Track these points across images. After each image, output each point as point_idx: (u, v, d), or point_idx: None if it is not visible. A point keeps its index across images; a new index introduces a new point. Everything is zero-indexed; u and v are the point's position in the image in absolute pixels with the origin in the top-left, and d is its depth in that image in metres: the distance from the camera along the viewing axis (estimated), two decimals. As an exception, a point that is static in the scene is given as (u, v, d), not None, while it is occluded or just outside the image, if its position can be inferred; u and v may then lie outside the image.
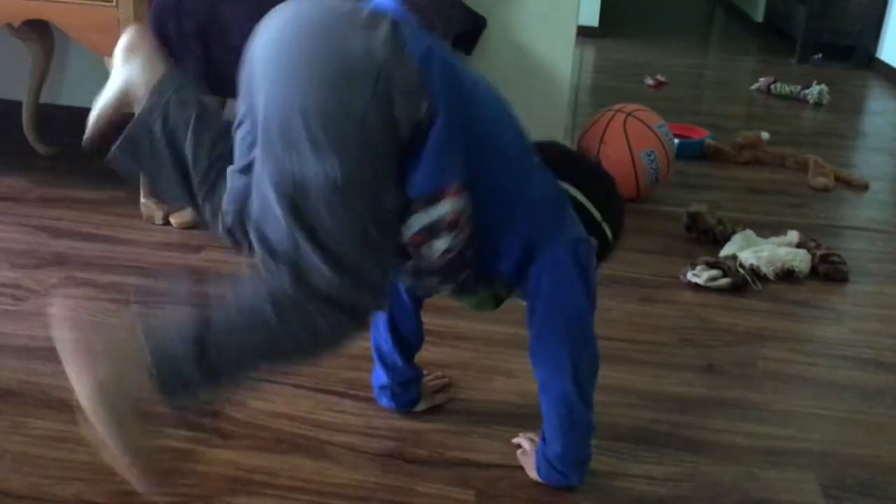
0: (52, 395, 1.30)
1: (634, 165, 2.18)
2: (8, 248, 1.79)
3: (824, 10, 4.43)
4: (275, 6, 1.69)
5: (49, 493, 1.11)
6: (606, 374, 1.43)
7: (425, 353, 1.45)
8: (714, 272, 1.78)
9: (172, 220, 1.95)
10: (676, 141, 2.36)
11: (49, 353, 1.40)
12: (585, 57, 4.29)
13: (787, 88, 3.65)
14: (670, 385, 1.44)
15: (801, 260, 1.84)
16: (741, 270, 1.80)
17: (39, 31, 2.19)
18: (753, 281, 1.80)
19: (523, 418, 1.31)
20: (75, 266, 1.73)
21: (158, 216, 1.96)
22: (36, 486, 1.12)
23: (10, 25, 1.97)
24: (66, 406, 1.27)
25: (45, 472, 1.14)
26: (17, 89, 2.32)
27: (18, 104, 2.32)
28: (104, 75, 1.91)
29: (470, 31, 2.13)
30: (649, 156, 2.18)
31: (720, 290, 1.77)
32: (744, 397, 1.42)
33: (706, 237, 2.01)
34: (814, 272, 1.86)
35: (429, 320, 1.56)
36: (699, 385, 1.45)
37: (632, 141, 2.18)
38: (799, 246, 1.91)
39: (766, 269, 1.82)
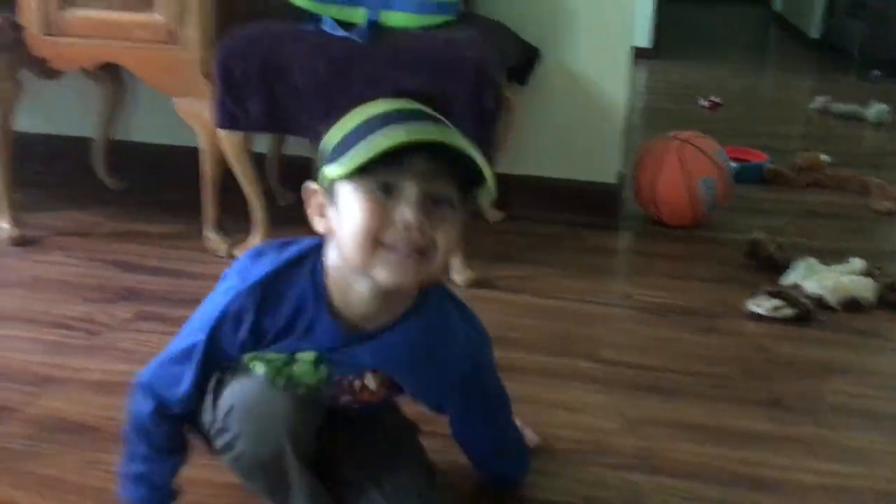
0: (126, 430, 1.34)
1: (691, 194, 2.17)
2: (80, 283, 1.86)
3: (882, 26, 4.35)
4: (333, 49, 1.74)
5: (126, 528, 1.14)
6: (665, 408, 1.45)
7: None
8: (777, 302, 1.76)
9: (236, 252, 2.00)
10: (735, 165, 2.34)
11: (124, 388, 1.45)
12: (638, 79, 4.28)
13: (844, 108, 3.59)
14: (733, 419, 1.42)
15: (866, 289, 1.81)
16: (805, 300, 1.78)
17: (110, 73, 2.27)
18: (818, 311, 1.77)
19: (584, 454, 1.31)
20: (145, 300, 1.79)
21: (223, 249, 2.01)
22: (114, 521, 1.16)
23: (83, 69, 2.05)
24: (140, 441, 1.32)
25: (122, 507, 1.18)
26: (89, 126, 2.41)
27: (89, 141, 2.40)
28: (173, 112, 1.99)
29: (524, 62, 2.14)
30: (707, 183, 2.17)
31: (783, 320, 1.75)
32: (811, 433, 1.39)
33: (767, 265, 1.99)
34: (880, 301, 1.83)
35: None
36: (764, 420, 1.43)
37: (688, 168, 2.17)
38: (864, 274, 1.88)
39: (831, 299, 1.79)
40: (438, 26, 1.86)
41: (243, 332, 0.95)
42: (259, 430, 0.96)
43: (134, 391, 1.04)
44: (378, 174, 0.85)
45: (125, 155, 2.46)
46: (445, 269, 0.94)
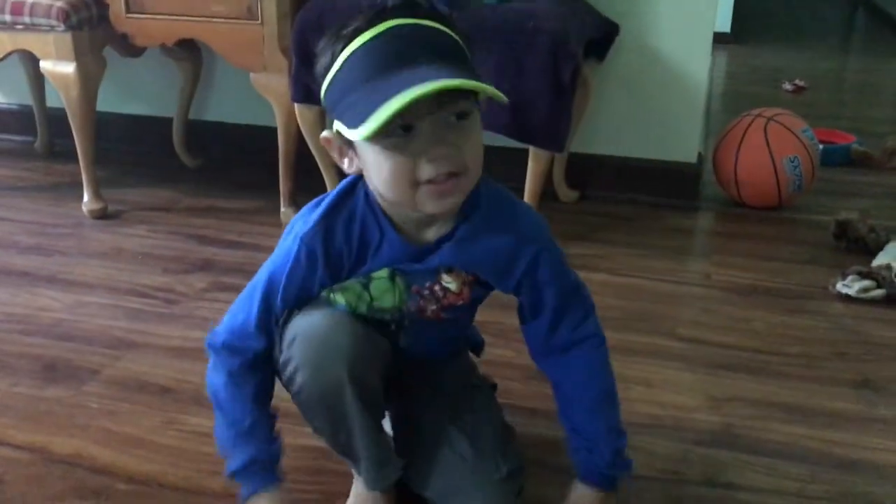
0: (203, 393, 1.34)
1: (776, 172, 2.09)
2: (160, 255, 1.89)
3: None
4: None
5: (201, 486, 1.16)
6: (753, 388, 1.39)
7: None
8: (867, 283, 1.68)
9: (310, 228, 2.01)
10: (820, 147, 2.25)
11: (200, 354, 1.47)
12: (718, 64, 4.16)
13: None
14: (823, 400, 1.36)
15: (963, 270, 1.72)
16: (897, 281, 1.69)
17: (189, 51, 2.31)
18: (911, 292, 1.69)
19: (663, 429, 1.27)
20: (220, 271, 1.81)
21: (297, 225, 2.02)
22: (190, 479, 1.17)
23: (163, 45, 2.09)
24: (216, 404, 1.33)
25: (197, 466, 1.19)
26: (167, 106, 2.46)
27: (168, 120, 2.45)
28: (248, 91, 2.01)
29: (603, 37, 2.10)
30: (792, 162, 2.08)
31: (873, 301, 1.67)
32: (904, 415, 1.33)
33: (857, 246, 1.90)
34: (978, 284, 1.73)
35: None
36: (854, 401, 1.36)
37: (773, 147, 2.09)
38: (961, 256, 1.78)
39: (925, 280, 1.70)
40: (515, -2, 1.83)
41: (320, 270, 0.96)
42: (318, 360, 0.95)
43: (213, 357, 1.04)
44: (393, 119, 0.82)
45: (202, 133, 2.50)
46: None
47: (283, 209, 2.05)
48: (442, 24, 0.87)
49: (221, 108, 2.51)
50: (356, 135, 0.84)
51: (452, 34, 0.87)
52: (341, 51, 0.85)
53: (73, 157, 2.11)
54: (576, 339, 1.03)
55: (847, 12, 6.60)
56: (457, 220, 0.96)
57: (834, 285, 1.71)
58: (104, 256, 1.88)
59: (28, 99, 2.57)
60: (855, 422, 1.31)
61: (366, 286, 0.99)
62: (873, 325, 1.61)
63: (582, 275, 1.08)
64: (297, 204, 2.04)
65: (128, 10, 1.97)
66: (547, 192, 2.06)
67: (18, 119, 2.68)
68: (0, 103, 2.72)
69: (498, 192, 1.00)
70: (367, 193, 0.96)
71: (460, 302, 1.03)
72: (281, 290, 0.97)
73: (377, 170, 0.88)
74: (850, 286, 1.69)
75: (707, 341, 1.54)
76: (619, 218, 2.13)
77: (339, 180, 1.99)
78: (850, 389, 1.40)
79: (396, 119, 0.81)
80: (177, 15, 1.94)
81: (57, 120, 2.44)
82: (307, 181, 2.05)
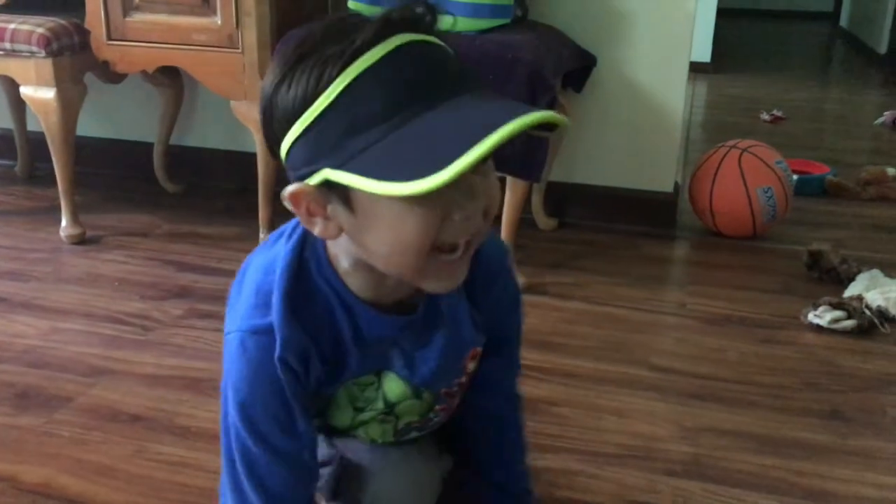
0: (175, 421, 1.36)
1: (751, 203, 2.11)
2: (138, 281, 1.89)
3: (955, 41, 4.21)
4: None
5: (171, 517, 1.15)
6: (724, 418, 1.40)
7: (534, 390, 1.44)
8: (838, 313, 1.70)
9: (289, 255, 2.02)
10: (795, 177, 2.28)
11: (173, 381, 1.48)
12: (697, 93, 4.22)
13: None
14: (792, 430, 1.37)
15: (933, 302, 1.74)
16: (867, 312, 1.72)
17: (170, 77, 2.32)
18: (881, 323, 1.71)
19: (634, 459, 1.28)
20: (198, 298, 1.81)
21: (276, 251, 2.03)
22: (159, 509, 1.16)
23: (144, 72, 2.10)
24: (187, 432, 1.33)
25: (166, 496, 1.18)
26: (148, 131, 2.47)
27: (149, 145, 2.46)
28: (229, 117, 2.02)
29: (580, 68, 2.12)
30: (766, 192, 2.11)
31: (844, 332, 1.69)
32: (872, 446, 1.34)
33: (829, 277, 1.93)
34: (948, 315, 1.75)
35: (536, 356, 1.56)
36: (823, 431, 1.38)
37: (748, 178, 2.12)
38: (931, 287, 1.81)
39: (894, 311, 1.73)
40: (493, 30, 1.86)
41: (316, 369, 0.81)
42: None
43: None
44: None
45: (182, 158, 2.50)
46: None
47: (261, 235, 2.05)
48: (440, 40, 0.70)
49: (202, 133, 2.52)
50: (405, 189, 0.62)
51: (452, 52, 0.71)
52: (336, 75, 0.66)
53: (53, 181, 2.11)
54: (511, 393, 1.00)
55: (825, 42, 6.71)
56: None
57: (806, 315, 1.73)
58: (81, 282, 1.88)
59: (8, 123, 2.57)
60: (825, 453, 1.32)
61: (390, 411, 0.89)
62: (844, 355, 1.62)
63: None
64: (274, 229, 2.04)
65: (109, 38, 1.98)
66: (525, 220, 2.08)
67: (-1, 143, 2.68)
68: (-20, 127, 2.72)
69: None
70: (318, 265, 0.79)
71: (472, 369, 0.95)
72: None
73: (393, 229, 0.68)
74: (822, 317, 1.71)
75: (680, 371, 1.55)
76: (596, 246, 2.15)
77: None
78: (821, 420, 1.41)
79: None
80: (158, 43, 1.96)
81: (38, 143, 2.44)
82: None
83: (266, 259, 0.82)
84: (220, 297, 1.79)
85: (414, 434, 0.96)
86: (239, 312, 0.81)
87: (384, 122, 0.65)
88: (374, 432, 0.92)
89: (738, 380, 1.53)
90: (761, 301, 1.85)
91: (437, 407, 0.93)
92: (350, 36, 0.67)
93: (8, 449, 1.28)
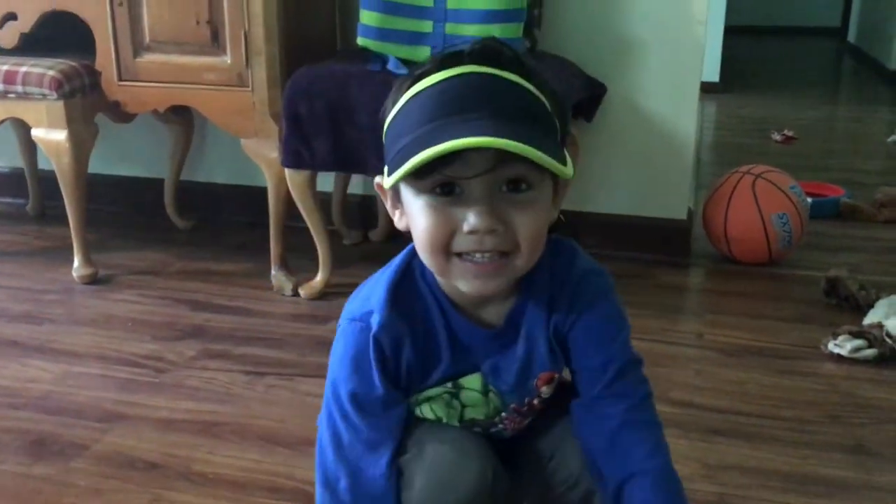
0: (191, 467, 1.35)
1: (766, 229, 2.10)
2: (150, 321, 1.89)
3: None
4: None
5: (188, 569, 1.14)
6: (746, 454, 1.38)
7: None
8: (859, 342, 1.68)
9: (301, 291, 2.01)
10: (810, 200, 2.26)
11: (188, 426, 1.47)
12: (707, 114, 4.21)
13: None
14: (817, 466, 1.35)
15: (955, 328, 1.71)
16: (888, 340, 1.69)
17: (181, 115, 2.33)
18: (903, 351, 1.69)
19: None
20: (211, 338, 1.80)
21: (288, 287, 2.02)
22: (176, 562, 1.15)
23: (155, 111, 2.10)
24: (205, 479, 1.32)
25: (184, 547, 1.17)
26: (158, 168, 2.47)
27: (159, 182, 2.46)
28: (238, 153, 2.02)
29: (590, 97, 2.12)
30: (781, 219, 2.10)
31: (865, 361, 1.67)
32: (899, 481, 1.31)
33: (847, 304, 1.90)
34: (971, 341, 1.73)
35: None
36: (848, 467, 1.35)
37: (762, 204, 2.10)
38: (952, 312, 1.78)
39: (917, 339, 1.70)
40: (502, 63, 1.85)
41: (408, 357, 0.85)
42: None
43: (350, 491, 0.88)
44: (436, 171, 0.73)
45: (192, 194, 2.50)
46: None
47: (273, 272, 2.05)
48: (527, 79, 0.76)
49: (212, 169, 2.53)
50: (385, 182, 0.78)
51: (536, 92, 0.77)
52: (405, 92, 0.77)
53: (64, 220, 2.11)
54: (641, 397, 0.91)
55: (833, 58, 6.71)
56: (516, 291, 0.86)
57: (826, 345, 1.71)
58: (94, 324, 1.87)
59: (19, 162, 2.58)
60: (850, 489, 1.30)
61: (456, 395, 0.90)
62: (866, 385, 1.60)
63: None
64: (287, 267, 2.04)
65: (120, 78, 1.99)
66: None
67: (10, 182, 2.69)
68: (-7, 166, 2.74)
69: (557, 246, 0.88)
70: (423, 270, 0.86)
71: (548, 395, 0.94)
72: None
73: (414, 227, 0.79)
74: (842, 346, 1.68)
75: (701, 405, 1.53)
76: (611, 275, 2.13)
77: (330, 246, 2.00)
78: (845, 455, 1.38)
79: (436, 174, 0.73)
80: (169, 82, 1.97)
81: (49, 182, 2.44)
82: (298, 242, 2.05)
83: (383, 270, 0.89)
84: (233, 337, 1.80)
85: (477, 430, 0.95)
86: (348, 308, 0.89)
87: (416, 129, 0.74)
88: (439, 410, 0.91)
89: (759, 413, 1.50)
90: (780, 330, 1.83)
91: (503, 415, 0.93)
92: (430, 62, 0.78)
93: (26, 500, 1.27)
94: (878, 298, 1.87)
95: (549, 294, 0.87)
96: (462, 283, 0.79)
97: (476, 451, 0.89)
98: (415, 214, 0.78)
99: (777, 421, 1.48)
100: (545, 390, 0.92)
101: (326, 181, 2.20)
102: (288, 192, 1.96)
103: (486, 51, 0.77)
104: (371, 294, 0.87)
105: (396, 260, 0.88)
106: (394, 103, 0.79)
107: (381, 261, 0.91)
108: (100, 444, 1.41)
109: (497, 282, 0.79)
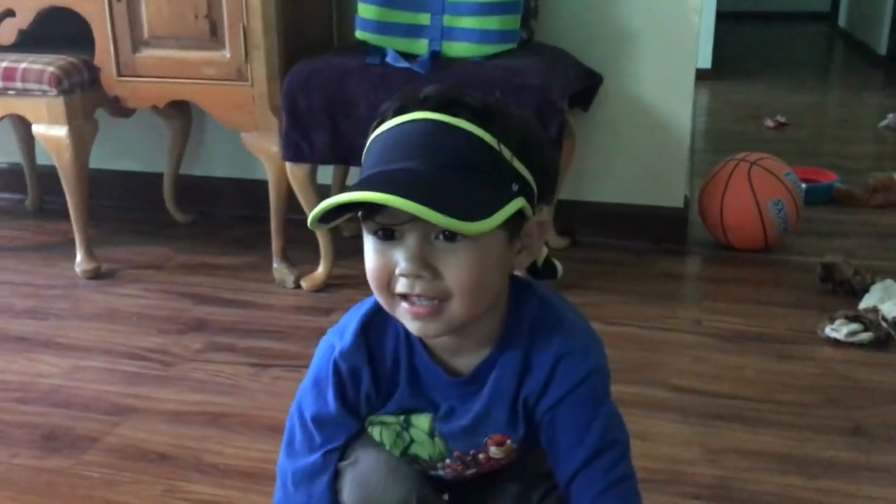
0: (202, 459, 1.37)
1: (762, 216, 2.12)
2: (154, 315, 1.90)
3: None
4: (396, 82, 1.76)
5: (204, 558, 1.16)
6: (746, 437, 1.41)
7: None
8: (855, 326, 1.71)
9: (303, 283, 2.03)
10: (803, 186, 2.29)
11: (197, 418, 1.49)
12: (699, 101, 4.22)
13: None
14: (816, 449, 1.38)
15: (949, 311, 1.75)
16: (884, 324, 1.72)
17: (179, 110, 2.34)
18: (898, 335, 1.72)
19: (660, 484, 1.29)
20: (215, 331, 1.82)
21: (290, 280, 2.04)
22: (192, 551, 1.17)
23: (154, 106, 2.11)
24: (216, 470, 1.34)
25: (199, 537, 1.19)
26: (157, 162, 2.48)
27: (158, 176, 2.47)
28: (237, 146, 2.03)
29: (587, 87, 2.14)
30: (777, 205, 2.12)
31: (861, 345, 1.70)
32: (895, 462, 1.35)
33: (843, 289, 1.93)
34: (964, 324, 1.76)
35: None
36: (847, 448, 1.38)
37: (758, 191, 2.13)
38: (946, 296, 1.81)
39: (911, 322, 1.73)
40: (500, 55, 1.87)
41: (366, 386, 0.89)
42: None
43: (293, 484, 0.94)
44: (377, 217, 0.77)
45: (191, 188, 2.51)
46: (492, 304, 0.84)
47: (275, 265, 2.06)
48: (485, 127, 0.77)
49: (210, 162, 2.54)
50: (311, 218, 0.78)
51: (489, 141, 0.77)
52: (373, 132, 0.81)
53: (63, 214, 2.12)
54: (612, 481, 0.87)
55: (824, 44, 6.73)
56: (491, 347, 0.87)
57: (822, 329, 1.74)
58: (99, 318, 1.89)
59: (18, 157, 2.59)
60: (850, 470, 1.33)
61: (406, 428, 0.92)
62: (862, 369, 1.63)
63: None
64: (289, 259, 2.06)
65: (119, 74, 2.00)
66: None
67: (8, 177, 2.70)
68: (-10, 162, 2.74)
69: (545, 312, 0.88)
70: None
71: (505, 461, 0.95)
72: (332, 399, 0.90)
73: (366, 265, 0.82)
74: (839, 330, 1.71)
75: (700, 391, 1.56)
76: (609, 264, 2.16)
77: (331, 238, 2.02)
78: (843, 437, 1.41)
79: (370, 221, 0.77)
80: (168, 77, 1.97)
81: (47, 177, 2.46)
82: (300, 235, 2.06)
83: (368, 299, 0.91)
84: (237, 330, 1.82)
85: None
86: (332, 328, 0.93)
87: (363, 173, 0.79)
88: (387, 438, 0.93)
89: (758, 398, 1.53)
90: (776, 315, 1.85)
91: (446, 461, 0.95)
92: (388, 104, 0.81)
93: (40, 493, 1.29)
94: (872, 283, 1.90)
95: (523, 363, 0.87)
96: (406, 323, 0.81)
97: (406, 475, 0.92)
98: (365, 253, 0.82)
99: (776, 405, 1.51)
100: (494, 450, 0.92)
101: (325, 174, 2.21)
102: (289, 186, 1.97)
103: (441, 98, 0.78)
104: (350, 321, 0.90)
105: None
106: (369, 141, 0.83)
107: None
108: (111, 437, 1.43)
109: (436, 325, 0.80)
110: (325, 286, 2.01)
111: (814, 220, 2.40)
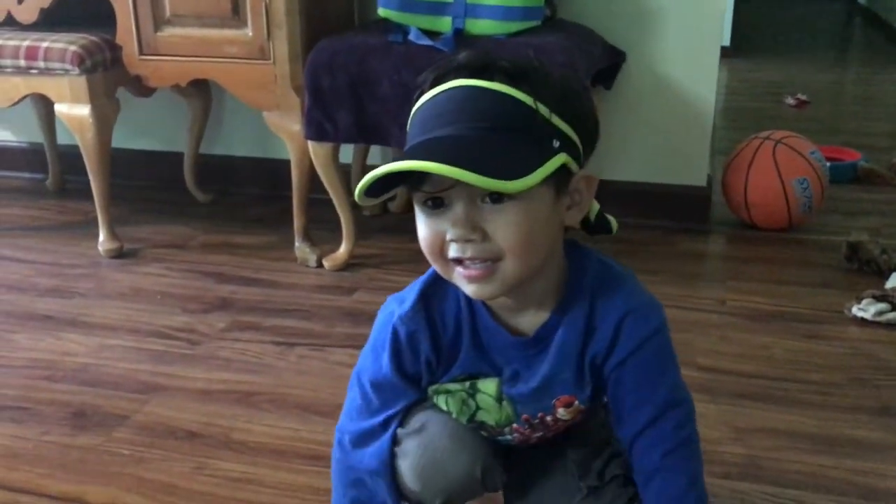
0: (231, 436, 1.38)
1: (786, 195, 2.11)
2: (179, 294, 1.91)
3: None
4: (419, 60, 1.75)
5: (236, 534, 1.17)
6: (773, 417, 1.41)
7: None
8: (882, 306, 1.70)
9: (325, 262, 2.03)
10: (827, 164, 2.26)
11: (225, 396, 1.50)
12: (719, 78, 4.18)
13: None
14: (844, 428, 1.37)
15: (977, 291, 1.73)
16: (911, 303, 1.71)
17: (199, 89, 2.33)
18: (925, 314, 1.70)
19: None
20: (239, 310, 1.82)
21: (312, 259, 2.04)
22: (224, 527, 1.18)
23: (175, 84, 2.11)
24: (245, 447, 1.35)
25: (231, 514, 1.20)
26: (177, 142, 2.48)
27: (179, 155, 2.47)
28: (258, 124, 2.03)
29: (610, 65, 2.12)
30: (802, 184, 2.10)
31: (889, 324, 1.69)
32: (926, 442, 1.34)
33: (869, 268, 1.92)
34: None
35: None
36: (875, 428, 1.38)
37: (782, 169, 2.11)
38: (974, 275, 1.80)
39: (939, 302, 1.72)
40: (524, 32, 1.86)
41: (426, 351, 0.89)
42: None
43: (350, 444, 0.96)
44: (423, 187, 0.79)
45: (211, 167, 2.52)
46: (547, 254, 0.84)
47: (297, 244, 2.06)
48: (517, 86, 0.77)
49: (230, 141, 2.54)
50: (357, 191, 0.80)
51: (524, 99, 0.77)
52: (414, 105, 0.83)
53: (84, 194, 2.13)
54: (679, 441, 0.88)
55: (843, 20, 6.65)
56: (552, 308, 0.88)
57: (849, 309, 1.73)
58: (123, 297, 1.90)
59: (39, 137, 2.59)
60: (878, 450, 1.32)
61: (472, 395, 0.92)
62: (890, 349, 1.62)
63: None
64: (311, 238, 2.06)
65: (141, 53, 1.99)
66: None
67: (29, 157, 2.71)
68: (11, 142, 2.75)
69: (605, 272, 0.89)
70: None
71: (571, 423, 0.96)
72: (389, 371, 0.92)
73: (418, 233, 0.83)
74: (866, 310, 1.70)
75: (727, 370, 1.55)
76: (631, 244, 2.15)
77: (353, 217, 2.01)
78: (871, 416, 1.41)
79: (428, 177, 0.76)
80: (190, 56, 1.97)
81: (68, 157, 2.47)
82: (321, 214, 2.07)
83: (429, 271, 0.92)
84: (261, 309, 1.82)
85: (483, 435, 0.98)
86: (389, 298, 0.94)
87: (407, 145, 0.80)
88: (454, 406, 0.94)
89: (785, 377, 1.53)
90: (802, 295, 1.84)
91: (514, 425, 0.95)
92: (426, 76, 0.82)
93: (71, 469, 1.30)
94: (899, 262, 1.89)
95: (587, 322, 0.87)
96: (462, 287, 0.82)
97: (472, 444, 0.94)
98: (417, 225, 0.83)
99: (803, 384, 1.50)
100: (562, 412, 0.93)
101: (346, 153, 2.21)
102: (311, 165, 1.97)
103: (475, 63, 0.79)
104: (410, 289, 0.92)
105: None
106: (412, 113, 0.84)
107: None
108: (140, 415, 1.44)
109: (492, 286, 0.81)
110: (347, 266, 2.01)
111: (837, 199, 2.38)
